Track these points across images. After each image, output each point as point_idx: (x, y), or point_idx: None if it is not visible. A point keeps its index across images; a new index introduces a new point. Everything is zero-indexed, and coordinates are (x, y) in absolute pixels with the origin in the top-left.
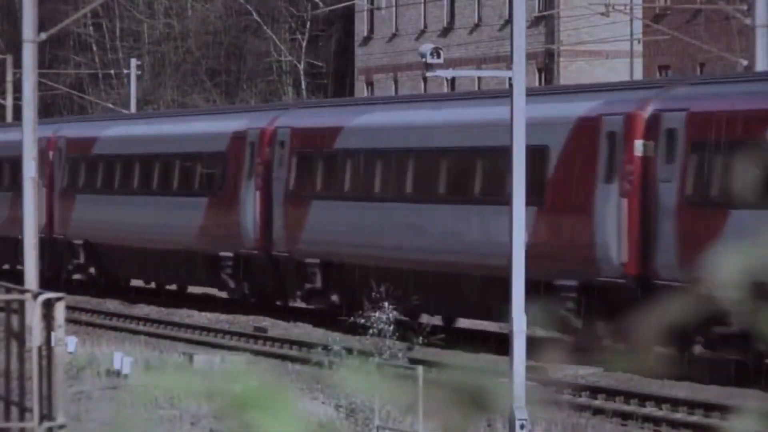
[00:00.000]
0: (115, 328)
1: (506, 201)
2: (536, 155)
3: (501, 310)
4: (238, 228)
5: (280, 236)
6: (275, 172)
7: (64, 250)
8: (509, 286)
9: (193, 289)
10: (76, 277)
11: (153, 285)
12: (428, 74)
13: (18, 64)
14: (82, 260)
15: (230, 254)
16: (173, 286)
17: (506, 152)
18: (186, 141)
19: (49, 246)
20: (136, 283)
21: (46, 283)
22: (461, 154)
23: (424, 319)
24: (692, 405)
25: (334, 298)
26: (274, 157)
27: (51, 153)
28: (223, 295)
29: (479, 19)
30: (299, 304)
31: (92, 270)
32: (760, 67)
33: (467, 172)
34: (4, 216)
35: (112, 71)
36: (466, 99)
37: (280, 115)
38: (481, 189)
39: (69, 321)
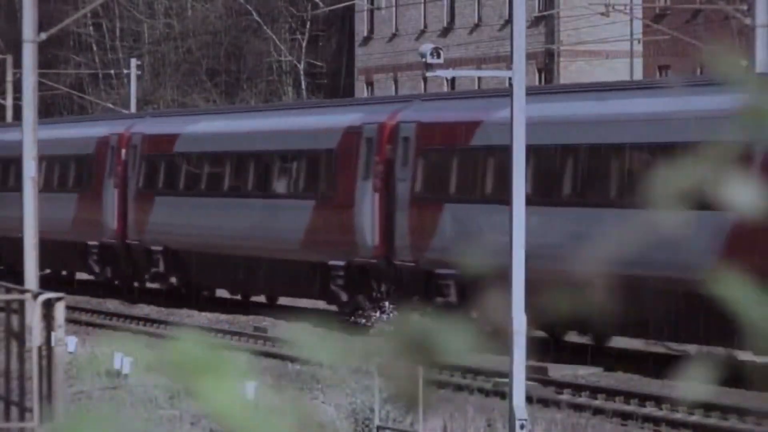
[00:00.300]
0: (115, 328)
1: (697, 205)
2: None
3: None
4: (353, 234)
5: (403, 244)
6: (398, 172)
7: (140, 257)
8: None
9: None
10: (153, 286)
11: (239, 297)
12: (428, 74)
13: (18, 64)
14: (161, 269)
15: (342, 263)
16: (261, 298)
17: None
18: (288, 137)
19: (121, 252)
20: (222, 293)
21: (116, 292)
22: (632, 151)
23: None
24: (692, 405)
25: (474, 314)
26: (396, 155)
27: (124, 151)
28: (333, 308)
29: (479, 19)
30: None
31: (173, 279)
32: (760, 67)
33: (640, 171)
34: (70, 218)
35: (112, 71)
36: (636, 89)
37: (403, 109)
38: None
39: (69, 321)
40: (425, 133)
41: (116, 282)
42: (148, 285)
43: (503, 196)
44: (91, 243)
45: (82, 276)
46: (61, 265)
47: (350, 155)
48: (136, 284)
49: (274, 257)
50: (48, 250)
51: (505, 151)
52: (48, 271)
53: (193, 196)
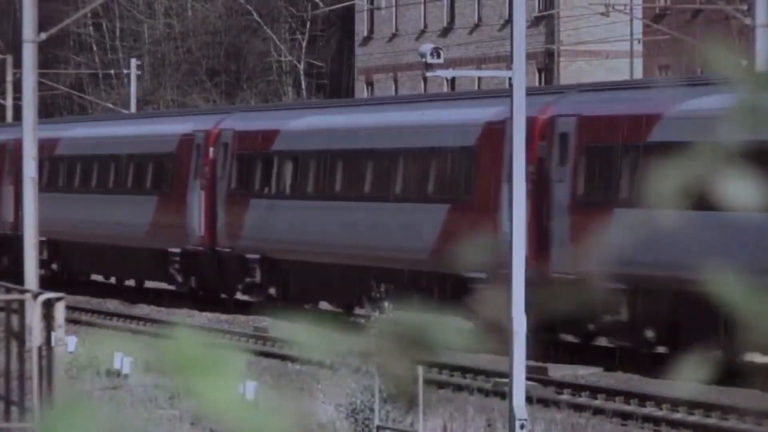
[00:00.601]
0: (115, 328)
1: None
2: None
3: None
4: (496, 243)
5: (562, 254)
6: (554, 173)
7: (233, 266)
8: None
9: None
10: (247, 298)
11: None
12: (428, 74)
13: (18, 64)
14: (257, 279)
15: (482, 275)
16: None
17: None
18: (414, 133)
19: (209, 261)
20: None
21: (202, 303)
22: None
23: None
24: (692, 405)
25: (649, 334)
26: (551, 154)
27: (211, 149)
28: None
29: (479, 19)
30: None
31: (272, 291)
32: (760, 67)
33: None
34: (146, 223)
35: (112, 71)
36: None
37: (555, 102)
38: None
39: (69, 321)
40: (587, 127)
41: (201, 293)
42: (241, 297)
43: (684, 201)
44: (172, 250)
45: (160, 285)
46: (136, 273)
47: (491, 153)
48: (224, 296)
49: (395, 268)
50: (120, 257)
51: (687, 149)
52: (113, 279)
53: (298, 198)
